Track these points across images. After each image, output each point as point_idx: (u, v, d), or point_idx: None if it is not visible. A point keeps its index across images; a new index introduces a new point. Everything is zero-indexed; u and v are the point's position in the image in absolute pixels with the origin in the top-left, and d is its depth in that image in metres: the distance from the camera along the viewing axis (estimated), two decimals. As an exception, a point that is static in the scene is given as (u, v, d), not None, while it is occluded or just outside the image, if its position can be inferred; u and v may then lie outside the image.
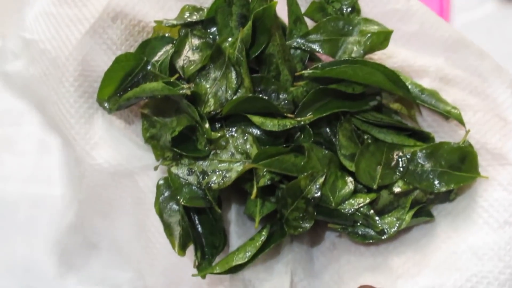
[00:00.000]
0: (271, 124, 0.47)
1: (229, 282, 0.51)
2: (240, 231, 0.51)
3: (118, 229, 0.52)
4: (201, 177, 0.47)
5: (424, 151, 0.49)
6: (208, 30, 0.52)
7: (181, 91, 0.46)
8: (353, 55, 0.49)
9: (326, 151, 0.48)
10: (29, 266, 0.60)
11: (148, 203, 0.51)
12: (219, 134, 0.47)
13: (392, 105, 0.50)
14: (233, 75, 0.48)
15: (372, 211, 0.47)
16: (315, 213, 0.47)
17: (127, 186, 0.51)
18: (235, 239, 0.51)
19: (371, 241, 0.48)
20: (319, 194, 0.46)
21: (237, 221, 0.51)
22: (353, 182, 0.48)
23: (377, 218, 0.47)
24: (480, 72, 0.52)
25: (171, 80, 0.48)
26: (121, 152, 0.51)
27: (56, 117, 0.52)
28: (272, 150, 0.46)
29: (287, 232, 0.48)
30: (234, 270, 0.48)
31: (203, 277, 0.47)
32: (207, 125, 0.47)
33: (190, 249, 0.48)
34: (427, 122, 0.52)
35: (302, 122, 0.47)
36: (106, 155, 0.51)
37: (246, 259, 0.47)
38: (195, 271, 0.48)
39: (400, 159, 0.49)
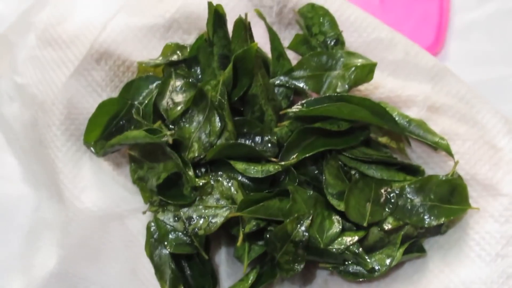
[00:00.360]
0: (255, 170, 0.47)
1: None
2: (230, 271, 0.51)
3: (107, 274, 0.52)
4: (187, 223, 0.47)
5: (413, 185, 0.48)
6: (192, 70, 0.51)
7: (163, 139, 0.46)
8: (338, 90, 0.49)
9: (311, 192, 0.48)
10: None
11: (139, 245, 0.51)
12: (203, 181, 0.47)
13: (381, 139, 0.49)
14: (216, 119, 0.48)
15: (361, 249, 0.47)
16: (305, 255, 0.46)
17: (116, 230, 0.51)
18: (225, 279, 0.51)
19: (363, 278, 0.48)
20: (306, 236, 0.46)
21: (227, 262, 0.51)
22: (340, 221, 0.47)
23: (366, 257, 0.47)
24: (467, 99, 0.52)
25: (153, 127, 0.48)
26: (110, 195, 0.51)
27: (45, 162, 0.53)
28: (256, 197, 0.46)
29: (279, 275, 0.48)
30: None
31: None
32: (190, 173, 0.47)
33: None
34: (416, 153, 0.51)
35: (285, 166, 0.47)
36: (95, 198, 0.51)
37: None
38: None
39: (389, 195, 0.48)
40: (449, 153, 0.49)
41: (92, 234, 0.51)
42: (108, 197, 0.51)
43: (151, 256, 0.49)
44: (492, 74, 0.63)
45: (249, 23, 0.48)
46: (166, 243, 0.47)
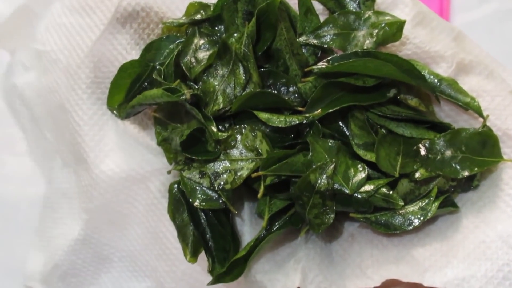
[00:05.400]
0: (278, 120, 0.46)
1: (244, 285, 0.49)
2: (253, 232, 0.50)
3: (131, 238, 0.51)
4: (213, 178, 0.46)
5: (442, 138, 0.47)
6: (216, 28, 0.51)
7: (182, 97, 0.46)
8: (365, 47, 0.48)
9: (333, 141, 0.47)
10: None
11: (161, 208, 0.50)
12: (226, 134, 0.46)
13: (410, 102, 0.48)
14: (241, 70, 0.47)
15: (391, 192, 0.46)
16: (334, 205, 0.45)
17: (139, 193, 0.51)
18: (248, 240, 0.49)
19: (395, 231, 0.46)
20: (331, 184, 0.45)
21: (250, 222, 0.50)
22: (366, 168, 0.46)
23: (398, 197, 0.46)
24: (492, 59, 0.51)
25: (172, 86, 0.47)
26: (134, 157, 0.51)
27: (68, 125, 0.53)
28: (280, 154, 0.45)
29: (314, 231, 0.46)
30: (236, 267, 0.47)
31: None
32: (213, 127, 0.46)
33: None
34: (444, 112, 0.50)
35: (311, 118, 0.46)
36: (119, 160, 0.50)
37: (244, 253, 0.46)
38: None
39: (419, 149, 0.47)
40: (480, 114, 0.48)
41: (115, 197, 0.51)
42: (132, 159, 0.51)
43: (173, 218, 0.48)
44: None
45: None
46: (193, 200, 0.46)
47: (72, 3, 0.53)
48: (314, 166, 0.45)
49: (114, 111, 0.51)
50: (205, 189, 0.47)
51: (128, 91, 0.51)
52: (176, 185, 0.48)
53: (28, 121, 0.57)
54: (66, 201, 0.54)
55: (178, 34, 0.52)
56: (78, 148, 0.51)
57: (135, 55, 0.52)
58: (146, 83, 0.50)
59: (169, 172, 0.49)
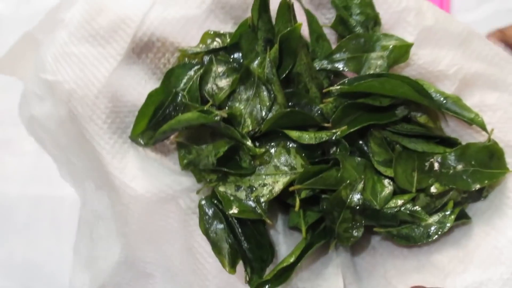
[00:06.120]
0: (308, 138, 0.48)
1: None
2: (289, 242, 0.52)
3: (169, 254, 0.52)
4: (249, 191, 0.48)
5: (453, 153, 0.51)
6: (233, 55, 0.53)
7: (216, 118, 0.47)
8: (377, 69, 0.51)
9: (359, 159, 0.50)
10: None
11: (192, 224, 0.51)
12: (263, 150, 0.49)
13: (419, 119, 0.52)
14: (265, 93, 0.50)
15: (417, 207, 0.49)
16: (363, 221, 0.48)
17: (171, 211, 0.52)
18: (285, 250, 0.51)
19: (415, 243, 0.49)
20: (361, 200, 0.48)
21: (284, 232, 0.52)
22: (391, 183, 0.49)
23: (422, 212, 0.49)
24: (496, 62, 0.54)
25: (205, 109, 0.49)
26: (161, 179, 0.52)
27: (90, 155, 0.53)
28: (315, 169, 0.48)
29: (343, 244, 0.49)
30: (282, 275, 0.48)
31: None
32: (249, 143, 0.48)
33: (240, 265, 0.49)
34: (450, 127, 0.54)
35: (338, 133, 0.49)
36: (147, 184, 0.51)
37: (292, 260, 0.48)
38: (247, 286, 0.49)
39: (432, 164, 0.51)
40: (484, 129, 0.52)
41: (150, 218, 0.52)
42: (159, 182, 0.52)
43: (206, 232, 0.49)
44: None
45: (292, 4, 0.50)
46: (230, 209, 0.48)
47: (80, 31, 0.53)
48: (344, 184, 0.48)
49: (139, 139, 0.52)
50: (241, 200, 0.49)
51: (152, 118, 0.52)
52: (205, 201, 0.50)
53: (54, 148, 0.57)
54: (102, 222, 0.55)
55: (194, 61, 0.54)
56: (106, 175, 0.52)
57: (153, 84, 0.54)
58: (170, 109, 0.52)
59: (198, 192, 0.51)
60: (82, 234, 0.57)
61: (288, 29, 0.50)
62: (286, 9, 0.50)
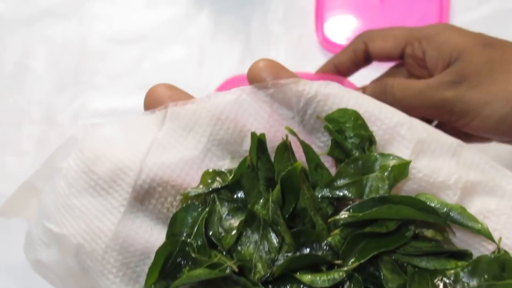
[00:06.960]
0: (321, 280, 0.49)
1: None
2: None
3: None
4: None
5: (465, 269, 0.51)
6: (235, 193, 0.54)
7: (227, 271, 0.47)
8: (380, 191, 0.52)
9: None
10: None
11: None
12: None
13: (427, 233, 0.52)
14: (272, 235, 0.50)
15: None
16: None
17: None
18: None
19: None
20: None
21: None
22: None
23: None
24: (488, 170, 0.55)
25: (214, 262, 0.49)
26: None
27: None
28: None
29: None
30: None
31: None
32: None
33: None
34: (458, 237, 0.54)
35: (349, 271, 0.49)
36: None
37: None
38: None
39: (446, 284, 0.51)
40: (491, 239, 0.52)
41: None
42: None
43: None
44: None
45: (289, 143, 0.51)
46: None
47: (79, 182, 0.53)
48: None
49: None
50: None
51: (162, 269, 0.52)
52: None
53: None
54: None
55: (197, 202, 0.54)
56: None
57: (159, 230, 0.54)
58: (179, 258, 0.52)
59: None
60: None
61: (288, 168, 0.50)
62: (284, 150, 0.51)
